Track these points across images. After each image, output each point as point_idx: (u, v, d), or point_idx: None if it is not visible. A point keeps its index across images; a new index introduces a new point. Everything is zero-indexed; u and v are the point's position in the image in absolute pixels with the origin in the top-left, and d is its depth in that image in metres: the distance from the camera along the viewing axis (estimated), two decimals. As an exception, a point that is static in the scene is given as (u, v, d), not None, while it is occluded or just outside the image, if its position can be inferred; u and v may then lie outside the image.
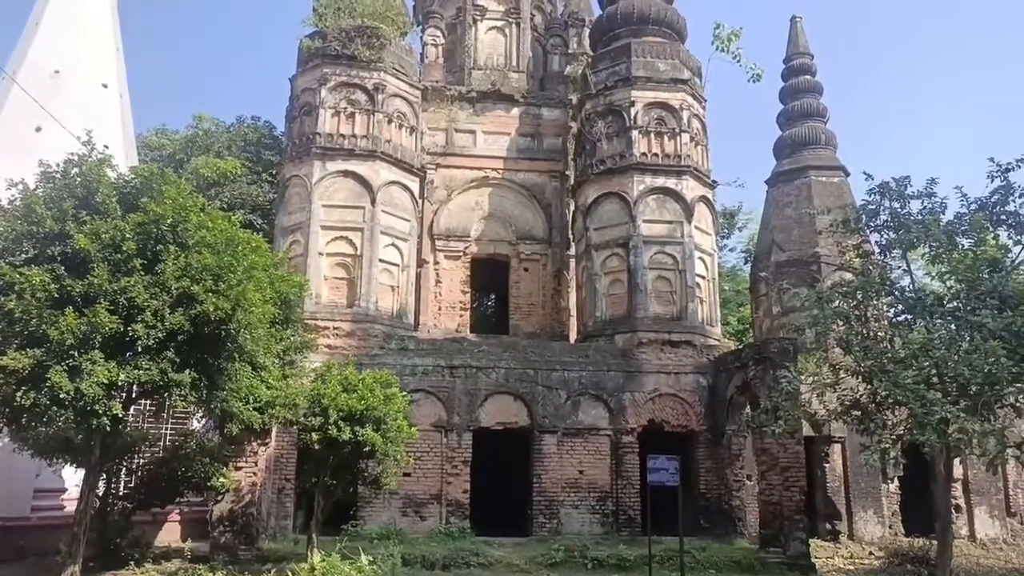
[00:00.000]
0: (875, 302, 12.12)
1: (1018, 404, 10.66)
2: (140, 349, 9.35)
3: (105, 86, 16.43)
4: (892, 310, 12.61)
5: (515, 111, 21.11)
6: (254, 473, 13.39)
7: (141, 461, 14.03)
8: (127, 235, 9.44)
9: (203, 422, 14.80)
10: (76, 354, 8.82)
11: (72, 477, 13.23)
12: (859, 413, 11.41)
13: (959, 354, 9.83)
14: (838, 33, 61.54)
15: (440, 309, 19.98)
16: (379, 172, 17.81)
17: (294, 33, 20.01)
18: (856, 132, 56.57)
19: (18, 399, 8.77)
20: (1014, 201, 11.08)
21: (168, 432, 15.11)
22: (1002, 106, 57.87)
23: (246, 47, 67.90)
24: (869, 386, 11.14)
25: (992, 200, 11.29)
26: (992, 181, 11.22)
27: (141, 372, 9.18)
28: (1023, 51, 58.81)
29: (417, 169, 18.93)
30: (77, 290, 9.14)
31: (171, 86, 59.38)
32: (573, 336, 20.04)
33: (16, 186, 10.01)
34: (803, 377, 11.72)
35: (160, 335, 9.22)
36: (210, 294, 9.40)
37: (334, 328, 16.50)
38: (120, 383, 9.21)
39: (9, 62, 16.09)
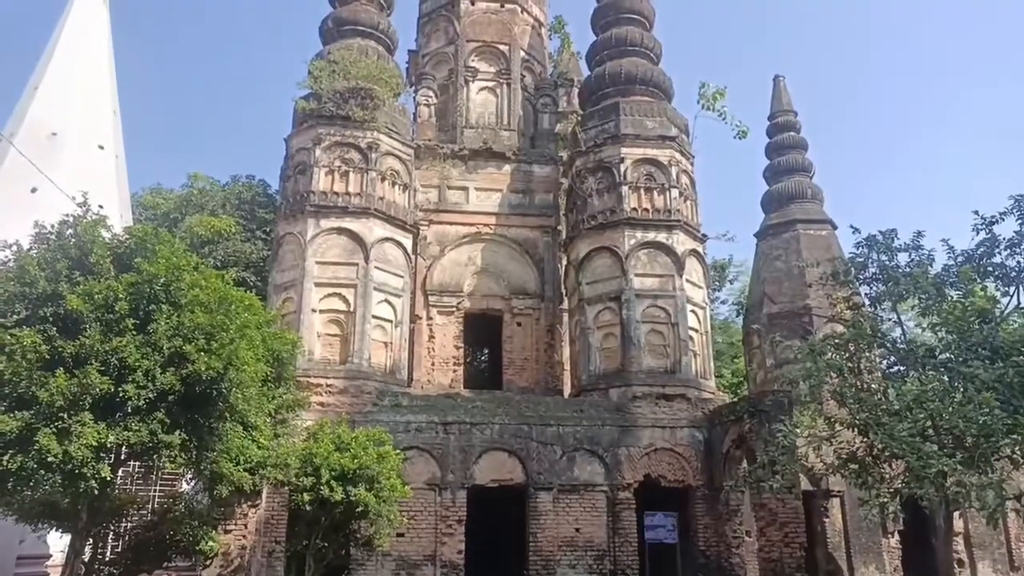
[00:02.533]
0: (867, 354, 12.17)
1: (1015, 456, 10.61)
2: (130, 410, 9.25)
3: (101, 147, 16.66)
4: (885, 362, 12.65)
5: (507, 168, 21.42)
6: (244, 536, 13.14)
7: (128, 525, 13.71)
8: (120, 295, 9.44)
9: (192, 484, 14.55)
10: (65, 416, 8.73)
11: (57, 543, 12.92)
12: (856, 467, 11.32)
13: (953, 406, 9.83)
14: (821, 88, 63.13)
15: (433, 365, 19.89)
16: (372, 229, 17.95)
17: (289, 94, 20.34)
18: (841, 186, 57.55)
19: (4, 463, 8.62)
20: (1000, 253, 11.25)
21: (156, 494, 14.84)
22: (982, 157, 59.14)
23: (242, 108, 69.06)
24: (865, 439, 11.09)
25: (978, 252, 11.46)
26: (977, 234, 11.42)
27: (131, 433, 9.06)
28: (1003, 104, 60.35)
29: (410, 226, 19.09)
30: (68, 351, 9.10)
31: (167, 145, 60.16)
32: (567, 390, 19.94)
33: (10, 247, 10.05)
34: (799, 430, 11.66)
35: (151, 395, 9.14)
36: (202, 353, 9.37)
37: (327, 385, 16.38)
38: (109, 445, 9.09)
39: (7, 124, 16.33)
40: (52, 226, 10.27)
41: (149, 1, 62.91)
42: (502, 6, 23.44)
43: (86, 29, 17.65)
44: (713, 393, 18.49)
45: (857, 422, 10.99)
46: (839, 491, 17.10)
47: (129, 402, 9.09)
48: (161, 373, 9.22)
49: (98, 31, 17.84)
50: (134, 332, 9.40)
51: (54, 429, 8.66)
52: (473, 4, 23.29)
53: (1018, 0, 60.63)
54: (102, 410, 9.12)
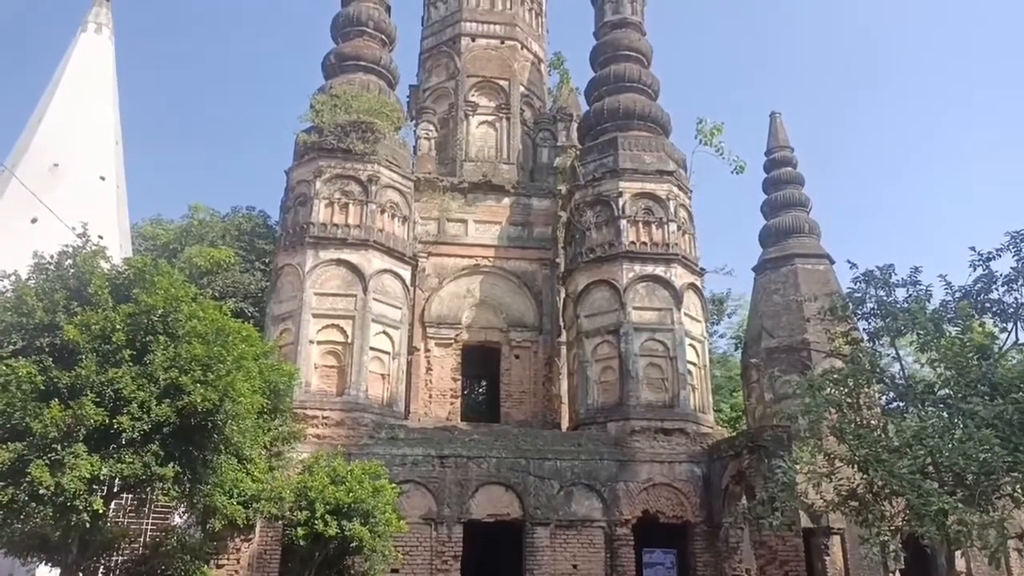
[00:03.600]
0: (866, 389, 12.11)
1: (1016, 495, 10.51)
2: (124, 442, 9.19)
3: (103, 178, 16.77)
4: (884, 397, 12.60)
5: (506, 201, 21.56)
6: (236, 571, 12.96)
7: (120, 559, 13.48)
8: (117, 326, 9.43)
9: (185, 517, 14.36)
10: (59, 448, 8.67)
11: (46, 576, 12.71)
12: (857, 504, 11.21)
13: (953, 443, 9.75)
14: (817, 124, 63.85)
15: (431, 397, 19.80)
16: (371, 260, 17.99)
17: (290, 127, 20.52)
18: (837, 221, 57.92)
19: (-4, 495, 8.54)
20: (997, 289, 11.27)
21: (149, 528, 14.62)
22: (978, 192, 59.62)
23: (244, 140, 69.70)
24: (865, 476, 10.99)
25: (976, 288, 11.47)
26: (974, 270, 11.44)
27: (124, 466, 8.99)
28: (999, 140, 61.01)
29: (409, 258, 19.15)
30: (64, 382, 9.07)
31: (169, 175, 60.55)
32: (565, 424, 19.82)
33: (8, 277, 10.05)
34: (798, 466, 11.57)
35: (146, 427, 9.09)
36: (198, 385, 9.34)
37: (323, 417, 16.28)
38: (102, 477, 9.01)
39: (10, 155, 16.45)
40: (51, 256, 10.31)
41: (153, 33, 63.85)
42: (502, 43, 23.80)
43: (91, 62, 17.88)
44: (712, 428, 18.37)
45: (857, 458, 10.90)
46: (840, 528, 16.88)
47: (124, 434, 9.04)
48: (156, 405, 9.17)
49: (103, 64, 18.07)
50: (130, 363, 9.37)
51: (47, 461, 8.59)
52: (474, 41, 23.65)
53: (1009, 39, 61.69)
54: (96, 442, 9.06)
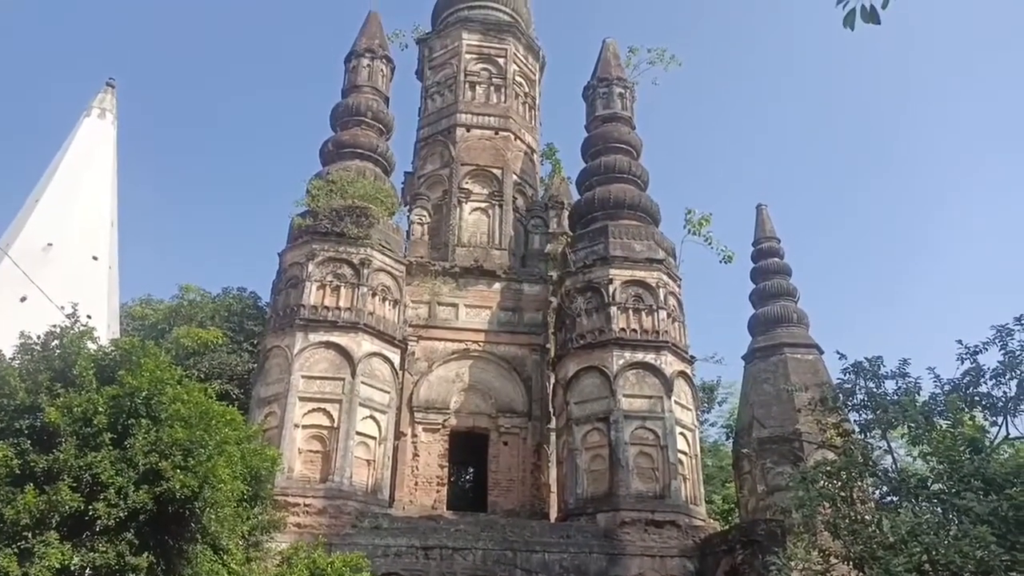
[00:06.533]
0: (860, 483, 11.97)
1: (1016, 594, 10.24)
2: (99, 529, 8.90)
3: (96, 258, 16.82)
4: (877, 491, 12.43)
5: (497, 286, 21.71)
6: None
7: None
8: (99, 408, 9.30)
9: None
10: (30, 535, 8.37)
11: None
12: (853, 603, 10.89)
13: (948, 540, 9.58)
14: (803, 215, 65.30)
15: (416, 484, 19.35)
16: (361, 344, 17.92)
17: (286, 211, 20.81)
18: (824, 310, 58.45)
19: (-42, 585, 8.19)
20: (985, 383, 11.32)
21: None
22: (962, 284, 60.52)
23: (239, 223, 70.51)
24: (861, 573, 10.73)
25: (964, 381, 11.53)
26: (962, 363, 11.53)
27: (97, 555, 8.69)
28: (982, 229, 62.41)
29: (399, 341, 19.10)
30: (41, 466, 8.87)
31: (162, 256, 60.81)
32: (554, 513, 19.34)
33: (-7, 357, 9.96)
34: (793, 563, 11.28)
35: (122, 514, 8.84)
36: (178, 470, 9.15)
37: (305, 505, 15.84)
38: (73, 568, 8.67)
39: (5, 234, 16.54)
40: (38, 337, 10.24)
41: (155, 119, 65.46)
42: (496, 133, 24.50)
43: (93, 145, 18.23)
44: (704, 520, 17.97)
45: (852, 555, 10.68)
46: (837, 628, 16.32)
47: (98, 521, 8.78)
48: (134, 491, 8.95)
49: (104, 148, 18.42)
50: (110, 447, 9.20)
51: (16, 549, 8.29)
52: (469, 131, 24.34)
53: (996, 127, 64.03)
54: (70, 529, 8.78)
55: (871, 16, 5.38)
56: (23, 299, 14.32)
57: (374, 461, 17.44)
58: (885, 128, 68.23)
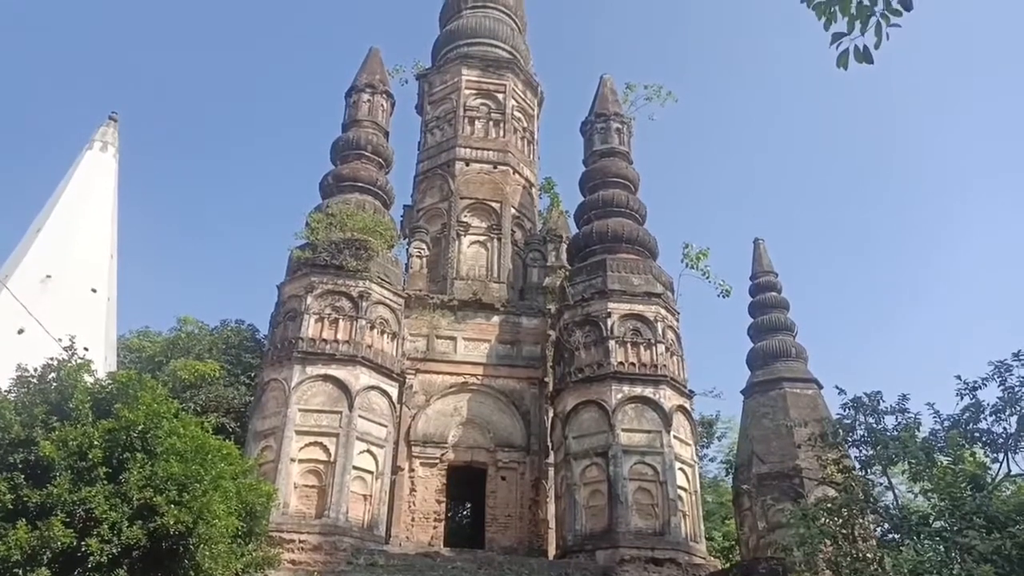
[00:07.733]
0: (861, 520, 11.86)
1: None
2: (91, 566, 8.76)
3: (94, 290, 16.84)
4: (879, 529, 12.30)
5: (495, 319, 21.70)
6: None
7: None
8: (95, 442, 9.22)
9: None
10: (21, 572, 8.24)
11: None
12: (857, 644, 10.71)
13: (952, 579, 9.48)
14: (800, 249, 65.58)
15: (413, 520, 19.11)
16: (359, 377, 17.85)
17: (284, 244, 20.87)
18: (822, 344, 58.36)
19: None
20: (985, 419, 11.28)
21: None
22: (961, 318, 60.56)
23: (238, 255, 70.67)
24: (864, 613, 10.58)
25: (964, 417, 11.50)
26: (961, 399, 11.51)
27: (87, 593, 8.53)
28: (981, 264, 62.64)
29: (397, 374, 19.02)
30: (34, 500, 8.76)
31: (161, 288, 60.81)
32: (552, 550, 19.07)
33: (-12, 390, 9.90)
34: (795, 602, 11.13)
35: (115, 550, 8.72)
36: (172, 506, 9.05)
37: (300, 541, 15.61)
38: (63, 605, 8.53)
39: (4, 266, 16.56)
40: (35, 369, 10.19)
41: (156, 152, 65.97)
42: (495, 167, 24.70)
43: (94, 178, 18.37)
44: (704, 558, 17.72)
45: (854, 594, 10.53)
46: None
47: (91, 558, 8.63)
48: (128, 526, 8.84)
49: (105, 180, 18.56)
50: (105, 481, 9.10)
51: (5, 587, 8.15)
52: (468, 165, 24.55)
53: (994, 160, 64.61)
54: (61, 565, 8.64)
55: (864, 56, 5.49)
56: (21, 331, 14.28)
57: (371, 496, 17.25)
58: (882, 161, 68.93)
